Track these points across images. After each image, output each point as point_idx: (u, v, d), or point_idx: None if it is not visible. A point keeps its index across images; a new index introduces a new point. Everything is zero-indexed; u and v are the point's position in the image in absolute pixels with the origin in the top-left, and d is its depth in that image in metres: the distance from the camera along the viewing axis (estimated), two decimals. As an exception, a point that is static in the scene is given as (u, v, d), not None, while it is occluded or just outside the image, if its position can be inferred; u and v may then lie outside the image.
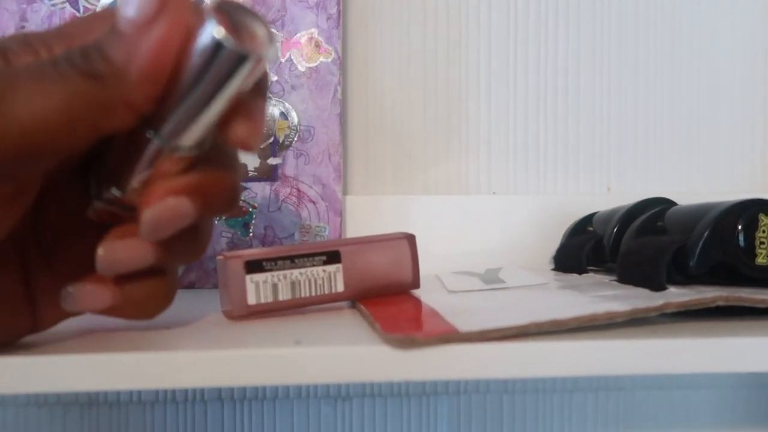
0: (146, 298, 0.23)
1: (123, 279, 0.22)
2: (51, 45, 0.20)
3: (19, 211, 0.20)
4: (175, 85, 0.20)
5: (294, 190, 0.40)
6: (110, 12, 0.21)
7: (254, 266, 0.27)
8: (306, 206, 0.40)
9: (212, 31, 0.18)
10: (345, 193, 0.43)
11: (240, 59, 0.19)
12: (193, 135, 0.20)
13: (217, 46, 0.19)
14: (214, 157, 0.22)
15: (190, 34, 0.19)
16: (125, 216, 0.22)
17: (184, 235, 0.22)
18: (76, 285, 0.22)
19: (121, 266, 0.22)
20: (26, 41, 0.20)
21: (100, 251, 0.22)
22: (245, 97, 0.20)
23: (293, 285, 0.28)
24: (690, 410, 0.48)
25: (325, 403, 0.46)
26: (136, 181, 0.21)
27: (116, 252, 0.22)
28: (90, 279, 0.22)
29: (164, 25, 0.18)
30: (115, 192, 0.22)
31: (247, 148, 0.21)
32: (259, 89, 0.21)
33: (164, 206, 0.21)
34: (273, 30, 0.20)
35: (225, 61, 0.19)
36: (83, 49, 0.19)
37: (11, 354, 0.21)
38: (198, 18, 0.19)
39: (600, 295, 0.28)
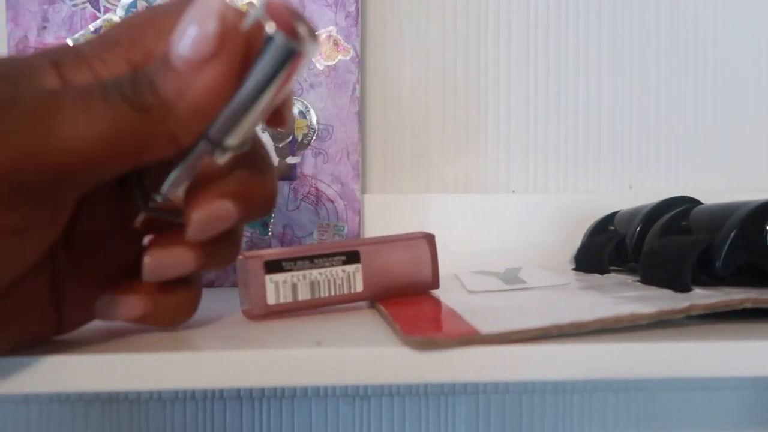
0: (175, 307, 0.24)
1: (154, 289, 0.23)
2: (104, 56, 0.20)
3: (54, 233, 0.20)
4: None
5: (312, 188, 0.40)
6: (155, 10, 0.21)
7: (274, 266, 0.27)
8: (324, 205, 0.40)
9: (264, 27, 0.19)
10: (363, 191, 0.43)
11: (289, 53, 0.19)
12: (240, 133, 0.21)
13: (268, 41, 0.19)
14: (253, 163, 0.23)
15: (244, 66, 0.20)
16: (171, 222, 0.23)
17: (221, 239, 0.23)
18: (109, 295, 0.23)
19: (167, 273, 0.23)
20: (79, 53, 0.20)
21: (147, 259, 0.22)
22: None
23: (312, 285, 0.28)
24: (711, 412, 0.48)
25: (344, 402, 0.46)
26: (181, 186, 0.22)
27: (162, 259, 0.22)
28: (122, 289, 0.23)
29: (218, 67, 0.19)
30: (160, 198, 0.22)
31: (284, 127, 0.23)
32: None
33: (212, 208, 0.21)
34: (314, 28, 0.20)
35: (275, 55, 0.19)
36: (134, 79, 0.19)
37: (36, 354, 0.22)
38: (249, 45, 0.20)
39: (623, 296, 0.27)
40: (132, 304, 0.23)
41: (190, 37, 0.19)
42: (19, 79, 0.19)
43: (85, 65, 0.20)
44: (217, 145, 0.21)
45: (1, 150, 0.17)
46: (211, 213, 0.21)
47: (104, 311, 0.23)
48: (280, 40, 0.19)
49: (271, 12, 0.19)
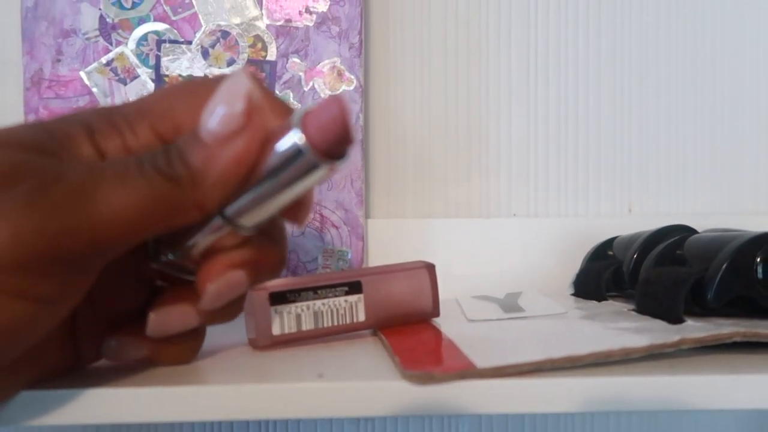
0: (179, 351, 0.25)
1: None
2: (134, 126, 0.22)
3: (80, 298, 0.21)
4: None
5: (317, 215, 0.41)
6: (186, 86, 0.23)
7: (278, 298, 0.28)
8: (329, 231, 0.41)
9: (295, 137, 0.20)
10: (367, 216, 0.44)
11: (314, 166, 0.21)
12: (255, 219, 0.22)
13: (296, 152, 0.20)
14: (268, 232, 0.24)
15: (265, 146, 0.21)
16: (177, 277, 0.24)
17: (231, 301, 0.24)
18: (116, 338, 0.24)
19: (170, 329, 0.24)
20: (111, 121, 0.21)
21: (152, 316, 0.23)
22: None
23: (316, 315, 0.29)
24: (716, 431, 0.48)
25: (349, 423, 0.47)
26: (194, 250, 0.23)
27: (166, 316, 0.23)
28: (127, 332, 0.24)
29: (243, 142, 0.20)
30: (171, 257, 0.23)
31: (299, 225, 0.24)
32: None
33: (226, 280, 0.23)
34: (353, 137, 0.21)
35: (300, 165, 0.21)
36: (166, 151, 0.20)
37: (49, 388, 0.23)
38: (276, 125, 0.21)
39: (617, 327, 0.28)
40: (136, 348, 0.24)
41: (219, 114, 0.20)
42: (59, 151, 0.20)
43: (116, 134, 0.21)
44: (233, 222, 0.22)
45: (44, 224, 0.18)
46: (225, 284, 0.23)
47: (110, 353, 0.24)
48: (307, 153, 0.20)
49: (308, 123, 0.20)
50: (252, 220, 0.22)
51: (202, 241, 0.23)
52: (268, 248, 0.24)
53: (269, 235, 0.24)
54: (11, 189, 0.18)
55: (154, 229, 0.20)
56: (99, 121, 0.21)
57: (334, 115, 0.20)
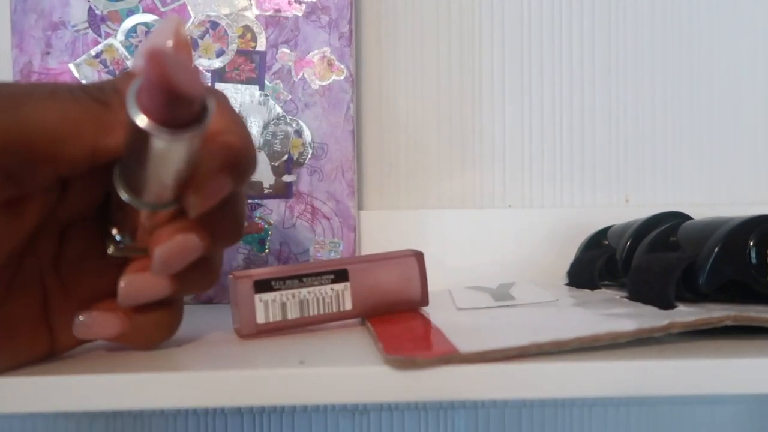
0: (153, 327, 0.25)
1: (131, 309, 0.24)
2: (103, 88, 0.22)
3: (20, 229, 0.21)
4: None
5: (308, 206, 0.41)
6: None
7: (263, 286, 0.28)
8: (320, 222, 0.41)
9: (137, 119, 0.18)
10: (360, 207, 0.44)
11: (167, 139, 0.19)
12: (150, 197, 0.22)
13: (144, 132, 0.19)
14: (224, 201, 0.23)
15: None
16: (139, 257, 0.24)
17: (196, 267, 0.23)
18: (87, 313, 0.24)
19: (141, 297, 0.23)
20: (80, 84, 0.22)
21: (122, 284, 0.23)
22: (202, 170, 0.21)
23: (302, 304, 0.28)
24: (713, 426, 0.47)
25: (343, 416, 0.46)
26: (141, 228, 0.23)
27: (136, 284, 0.23)
28: (100, 307, 0.24)
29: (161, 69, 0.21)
30: (120, 238, 0.24)
31: (193, 214, 0.22)
32: (224, 167, 0.22)
33: (173, 243, 0.22)
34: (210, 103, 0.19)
35: (155, 142, 0.19)
36: (99, 84, 0.21)
37: (28, 374, 0.22)
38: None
39: (608, 313, 0.27)
40: (109, 323, 0.24)
41: (150, 46, 0.21)
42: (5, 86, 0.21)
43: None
44: (138, 203, 0.22)
45: None
46: (173, 247, 0.22)
47: (81, 329, 0.24)
48: (152, 132, 0.18)
49: (140, 96, 0.18)
50: (150, 198, 0.22)
51: (135, 220, 0.23)
52: (219, 210, 0.23)
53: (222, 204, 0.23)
54: None
55: (83, 144, 0.21)
56: (66, 83, 0.23)
57: (152, 78, 0.18)
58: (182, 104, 0.18)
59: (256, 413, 0.46)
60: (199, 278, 0.24)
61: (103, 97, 0.21)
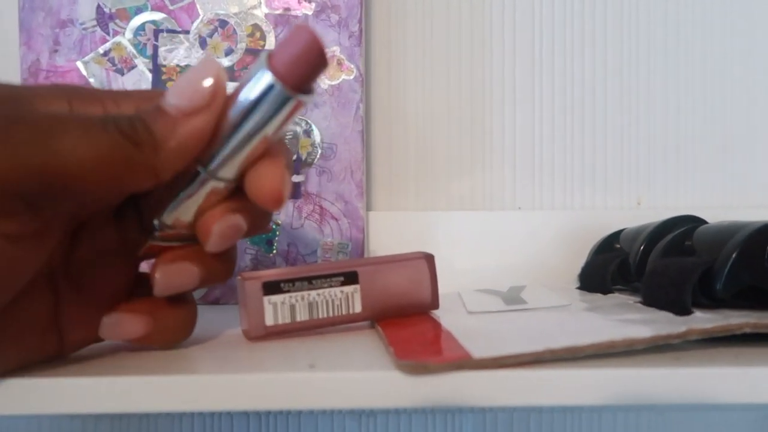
0: (175, 326, 0.26)
1: (155, 309, 0.25)
2: (119, 100, 0.23)
3: (44, 251, 0.22)
4: (220, 127, 0.22)
5: (317, 207, 0.40)
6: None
7: (272, 287, 0.27)
8: (329, 223, 0.40)
9: (264, 78, 0.22)
10: (368, 209, 0.44)
11: (285, 101, 0.22)
12: (234, 167, 0.23)
13: (267, 89, 0.22)
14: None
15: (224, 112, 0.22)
16: (176, 248, 0.25)
17: (222, 255, 0.25)
18: (113, 314, 0.24)
19: (176, 287, 0.24)
20: (95, 93, 0.23)
21: (158, 275, 0.24)
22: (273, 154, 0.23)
23: (311, 306, 0.28)
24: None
25: (350, 419, 0.46)
26: (183, 215, 0.24)
27: (171, 274, 0.24)
28: (125, 309, 0.24)
29: (205, 117, 0.22)
30: (158, 227, 0.24)
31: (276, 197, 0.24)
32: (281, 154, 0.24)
33: (228, 221, 0.24)
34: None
35: (272, 102, 0.22)
36: (130, 118, 0.21)
37: (37, 375, 0.22)
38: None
39: (622, 318, 0.27)
40: (136, 324, 0.24)
41: (188, 89, 0.22)
42: (23, 102, 0.21)
43: (99, 103, 0.23)
44: (216, 177, 0.23)
45: (5, 162, 0.19)
46: (228, 224, 0.24)
47: (108, 330, 0.24)
48: (277, 89, 0.22)
49: (274, 61, 0.22)
50: (232, 170, 0.23)
51: (194, 202, 0.24)
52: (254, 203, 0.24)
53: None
54: None
55: (112, 185, 0.21)
56: (82, 89, 0.23)
57: (302, 45, 0.21)
58: (320, 71, 0.22)
59: (262, 415, 0.46)
60: (223, 267, 0.26)
61: (135, 136, 0.21)
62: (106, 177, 0.21)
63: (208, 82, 0.22)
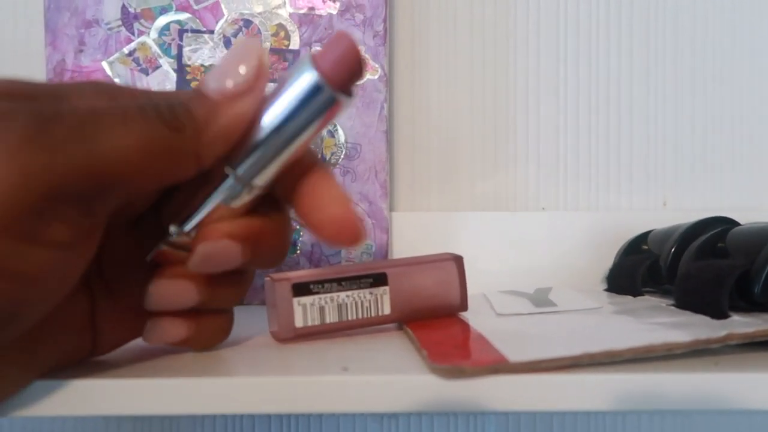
0: (213, 331, 0.25)
1: (195, 315, 0.24)
2: (149, 92, 0.22)
3: (92, 252, 0.21)
4: (253, 127, 0.22)
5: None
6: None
7: (301, 289, 0.27)
8: (352, 223, 0.40)
9: (310, 77, 0.21)
10: (392, 209, 0.43)
11: (329, 101, 0.21)
12: (268, 174, 0.22)
13: (313, 90, 0.21)
14: (269, 213, 0.24)
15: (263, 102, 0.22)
16: (182, 257, 0.23)
17: (226, 280, 0.24)
18: (156, 319, 0.24)
19: (166, 304, 0.23)
20: (126, 86, 0.23)
21: (150, 288, 0.23)
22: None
23: (340, 308, 0.28)
24: (753, 436, 0.46)
25: (372, 420, 0.46)
26: (203, 219, 0.23)
27: (163, 290, 0.23)
28: (167, 313, 0.24)
29: (248, 101, 0.21)
30: (175, 234, 0.23)
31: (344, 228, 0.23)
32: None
33: (217, 245, 0.22)
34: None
35: (316, 102, 0.21)
36: (170, 103, 0.20)
37: (69, 378, 0.22)
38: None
39: (657, 322, 0.26)
40: (176, 329, 0.24)
41: (230, 71, 0.21)
42: (62, 99, 0.20)
43: (129, 93, 0.22)
44: (245, 182, 0.22)
45: (48, 163, 0.18)
46: (215, 248, 0.22)
47: (151, 335, 0.24)
48: (324, 88, 0.21)
49: (320, 61, 0.21)
50: (265, 177, 0.22)
51: (210, 206, 0.23)
52: (268, 228, 0.23)
53: (271, 217, 0.24)
54: (6, 123, 0.18)
55: (154, 173, 0.20)
56: (113, 84, 0.22)
57: (344, 48, 0.21)
58: (359, 76, 0.22)
59: (283, 416, 0.46)
60: (227, 292, 0.24)
61: (175, 122, 0.20)
62: (150, 166, 0.20)
63: (251, 63, 0.21)
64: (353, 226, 0.23)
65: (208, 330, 0.25)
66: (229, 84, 0.21)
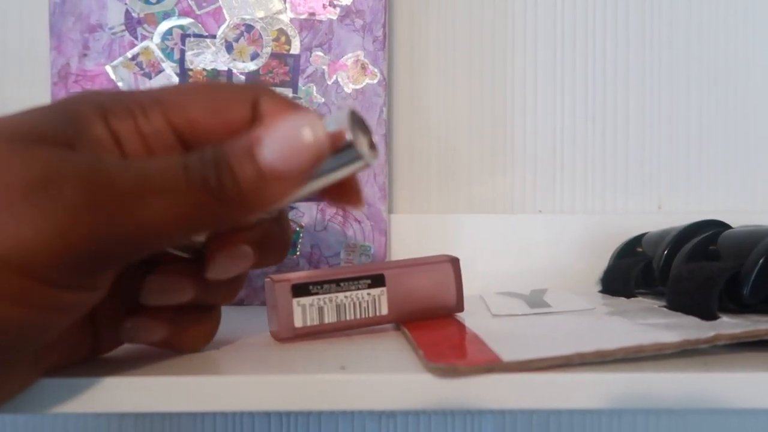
0: (194, 335, 0.25)
1: (175, 315, 0.24)
2: (148, 111, 0.22)
3: (110, 283, 0.21)
4: None
5: (340, 209, 0.41)
6: (206, 86, 0.24)
7: (301, 290, 0.28)
8: (351, 225, 0.41)
9: (343, 133, 0.21)
10: (390, 211, 0.44)
11: (355, 159, 0.22)
12: (281, 207, 0.23)
13: (343, 148, 0.21)
14: (275, 217, 0.25)
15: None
16: (185, 258, 0.24)
17: (228, 279, 0.24)
18: (134, 319, 0.24)
19: (164, 298, 0.24)
20: (125, 104, 0.21)
21: (146, 283, 0.24)
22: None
23: (338, 308, 0.28)
24: (746, 437, 0.46)
25: (370, 419, 0.46)
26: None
27: (161, 285, 0.24)
28: (146, 314, 0.24)
29: (294, 184, 0.21)
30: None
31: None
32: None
33: (237, 251, 0.23)
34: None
35: (342, 157, 0.22)
36: (216, 162, 0.20)
37: (70, 376, 0.23)
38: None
39: (648, 323, 0.27)
40: (153, 329, 0.24)
41: (285, 150, 0.20)
42: (77, 135, 0.20)
43: (129, 117, 0.21)
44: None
45: (93, 230, 0.18)
46: (235, 255, 0.23)
47: (128, 335, 0.24)
48: (353, 146, 0.21)
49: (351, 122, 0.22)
50: (278, 208, 0.23)
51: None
52: (275, 231, 0.24)
53: (276, 220, 0.25)
54: (56, 190, 0.18)
55: (189, 235, 0.21)
56: (112, 103, 0.21)
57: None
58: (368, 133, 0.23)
59: (283, 414, 0.46)
60: (225, 291, 0.25)
61: (221, 192, 0.20)
62: (190, 230, 0.21)
63: (310, 150, 0.20)
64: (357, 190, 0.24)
65: (189, 332, 0.25)
66: (285, 167, 0.20)
